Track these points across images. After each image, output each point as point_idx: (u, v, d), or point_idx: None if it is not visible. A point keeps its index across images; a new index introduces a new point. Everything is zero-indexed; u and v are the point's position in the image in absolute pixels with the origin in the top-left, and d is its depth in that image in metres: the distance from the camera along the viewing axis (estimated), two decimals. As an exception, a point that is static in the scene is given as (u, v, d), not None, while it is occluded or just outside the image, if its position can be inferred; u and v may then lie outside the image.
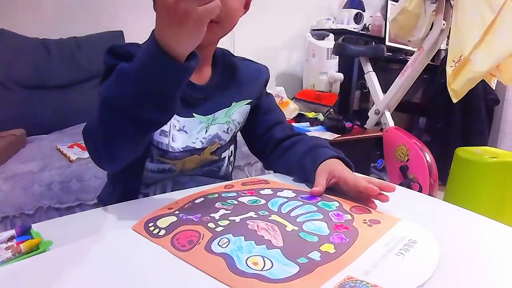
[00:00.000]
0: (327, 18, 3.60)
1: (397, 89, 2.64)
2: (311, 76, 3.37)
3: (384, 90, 2.75)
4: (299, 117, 2.90)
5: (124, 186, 0.99)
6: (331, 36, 3.34)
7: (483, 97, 3.49)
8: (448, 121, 3.48)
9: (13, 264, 0.55)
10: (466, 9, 2.12)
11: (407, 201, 0.89)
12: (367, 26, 3.79)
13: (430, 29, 2.46)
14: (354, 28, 3.63)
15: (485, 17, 2.04)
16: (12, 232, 0.62)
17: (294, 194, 0.83)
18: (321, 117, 2.90)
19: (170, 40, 0.62)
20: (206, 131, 0.96)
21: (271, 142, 1.08)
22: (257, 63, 1.12)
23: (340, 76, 3.18)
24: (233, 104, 1.00)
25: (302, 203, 0.77)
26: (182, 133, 0.92)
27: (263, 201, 0.78)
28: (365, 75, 2.84)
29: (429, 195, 1.49)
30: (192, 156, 0.95)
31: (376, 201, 0.79)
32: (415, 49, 2.62)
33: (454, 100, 2.24)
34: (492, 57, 2.04)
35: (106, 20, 2.66)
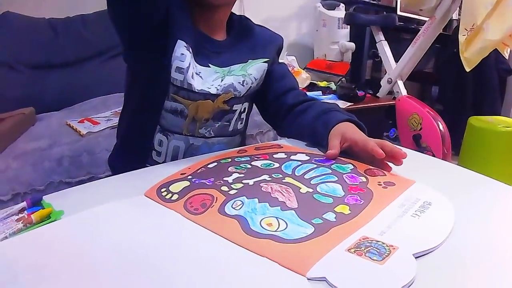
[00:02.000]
0: (338, -12, 3.53)
1: (409, 58, 2.60)
2: (322, 46, 3.32)
3: (396, 60, 2.70)
4: (311, 86, 2.88)
5: (138, 133, 1.01)
6: (342, 6, 3.28)
7: (495, 67, 3.44)
8: (460, 90, 3.43)
9: (25, 233, 0.55)
10: (479, -22, 2.07)
11: (421, 165, 0.88)
12: (378, -5, 3.72)
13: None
14: (365, -2, 3.56)
15: None
16: (23, 204, 0.62)
17: (308, 157, 0.82)
18: (333, 86, 2.87)
19: None
20: (222, 80, 0.97)
21: (283, 108, 1.08)
22: (273, 31, 1.14)
23: (352, 45, 3.13)
24: (249, 61, 1.02)
25: (316, 165, 0.77)
26: (198, 77, 0.93)
27: (276, 165, 0.77)
28: (376, 44, 2.79)
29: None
30: (206, 100, 0.95)
31: (391, 165, 0.78)
32: (427, 19, 2.57)
33: (467, 69, 2.19)
34: (505, 26, 1.99)
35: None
